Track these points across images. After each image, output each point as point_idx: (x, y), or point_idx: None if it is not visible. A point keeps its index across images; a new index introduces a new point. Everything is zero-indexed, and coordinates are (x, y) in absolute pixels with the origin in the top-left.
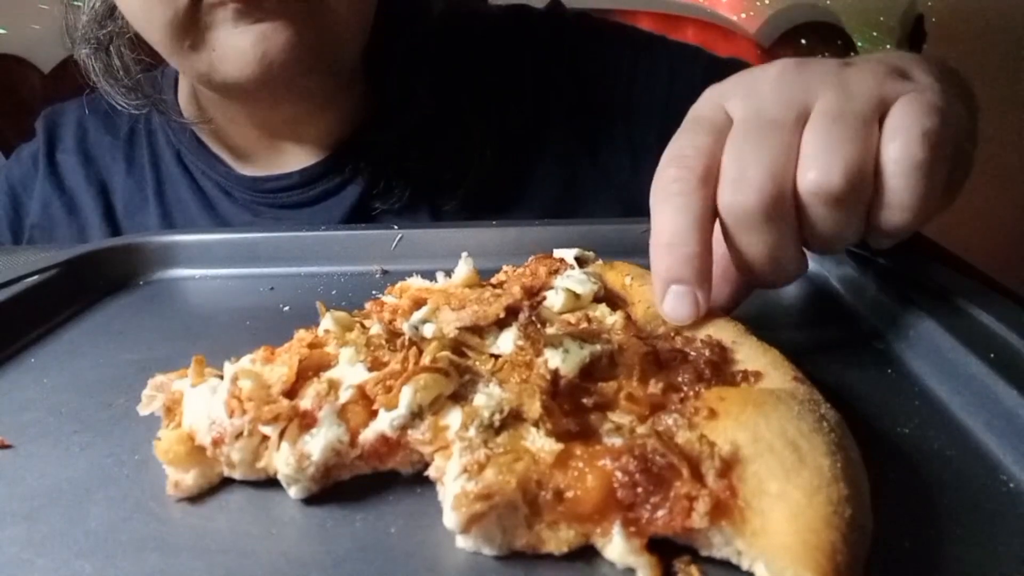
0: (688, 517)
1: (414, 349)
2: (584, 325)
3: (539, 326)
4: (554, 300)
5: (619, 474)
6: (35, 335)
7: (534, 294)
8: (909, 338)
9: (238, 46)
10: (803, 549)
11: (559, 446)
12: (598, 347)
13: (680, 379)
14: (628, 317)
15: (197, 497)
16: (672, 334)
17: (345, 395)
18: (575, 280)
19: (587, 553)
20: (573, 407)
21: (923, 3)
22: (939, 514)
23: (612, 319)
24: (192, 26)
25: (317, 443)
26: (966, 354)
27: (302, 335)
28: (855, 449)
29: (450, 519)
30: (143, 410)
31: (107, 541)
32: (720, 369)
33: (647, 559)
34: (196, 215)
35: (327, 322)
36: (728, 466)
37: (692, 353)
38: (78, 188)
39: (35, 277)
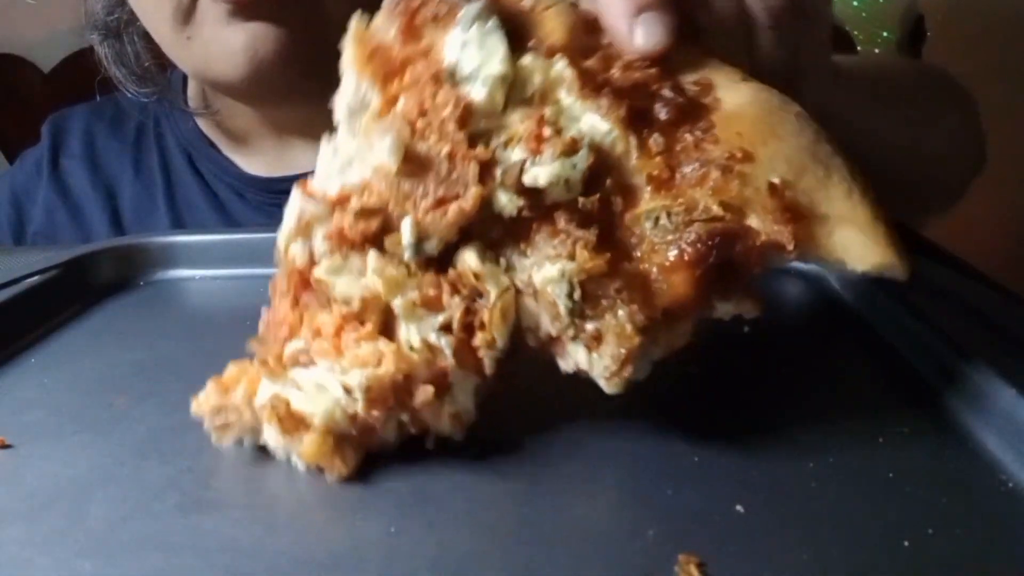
0: (767, 264)
1: (449, 274)
2: (549, 132)
3: (519, 168)
4: (491, 100)
5: (693, 267)
6: (35, 335)
7: (467, 119)
8: (907, 338)
9: (229, 44)
10: (871, 240)
11: (630, 278)
12: (585, 154)
13: (664, 117)
14: (569, 58)
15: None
16: (607, 57)
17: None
18: (476, 47)
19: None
20: (604, 232)
21: (923, 3)
22: (938, 514)
23: (555, 71)
24: (190, 19)
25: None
26: (966, 353)
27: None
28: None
29: (611, 390)
30: (221, 442)
31: (107, 540)
32: (679, 87)
33: (750, 302)
34: (207, 217)
35: (342, 287)
36: (789, 202)
37: (644, 80)
38: (83, 194)
39: (35, 278)
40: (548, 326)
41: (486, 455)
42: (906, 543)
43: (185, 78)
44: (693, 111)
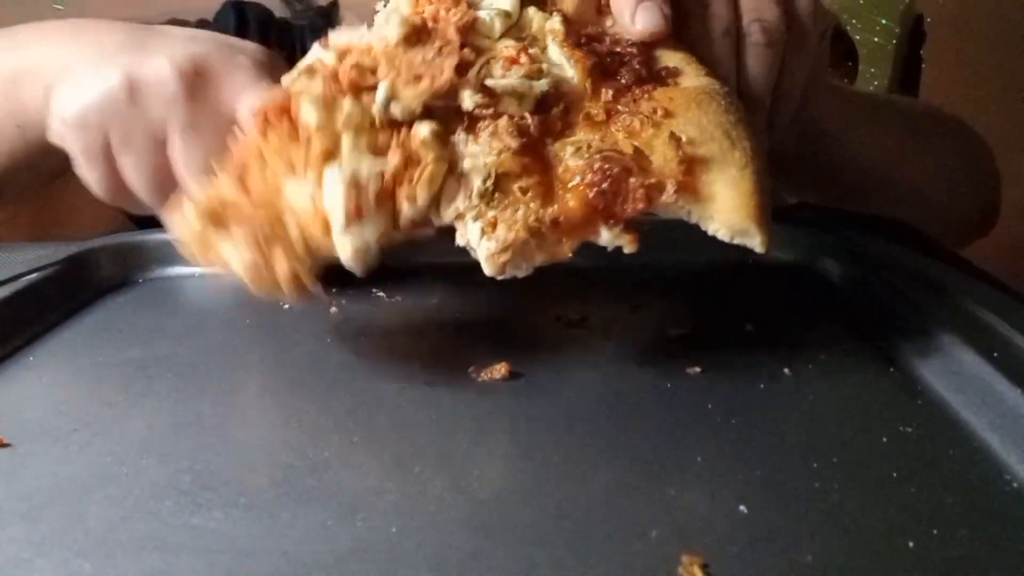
0: (650, 203)
1: (403, 133)
2: (525, 60)
3: (489, 75)
4: (491, 26)
5: (590, 188)
6: (34, 333)
7: (467, 30)
8: (911, 337)
9: None
10: (744, 206)
11: (538, 186)
12: (544, 82)
13: (623, 81)
14: (565, 18)
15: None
16: (602, 33)
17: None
18: None
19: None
20: (533, 144)
21: (923, 3)
22: (942, 514)
23: (550, 23)
24: None
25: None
26: (969, 353)
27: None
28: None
29: (488, 271)
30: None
31: (107, 540)
32: (650, 67)
33: (628, 237)
34: None
35: (308, 112)
36: (686, 155)
37: (625, 55)
38: None
39: (34, 275)
40: (460, 203)
41: (486, 455)
42: (910, 544)
43: None
44: (650, 82)
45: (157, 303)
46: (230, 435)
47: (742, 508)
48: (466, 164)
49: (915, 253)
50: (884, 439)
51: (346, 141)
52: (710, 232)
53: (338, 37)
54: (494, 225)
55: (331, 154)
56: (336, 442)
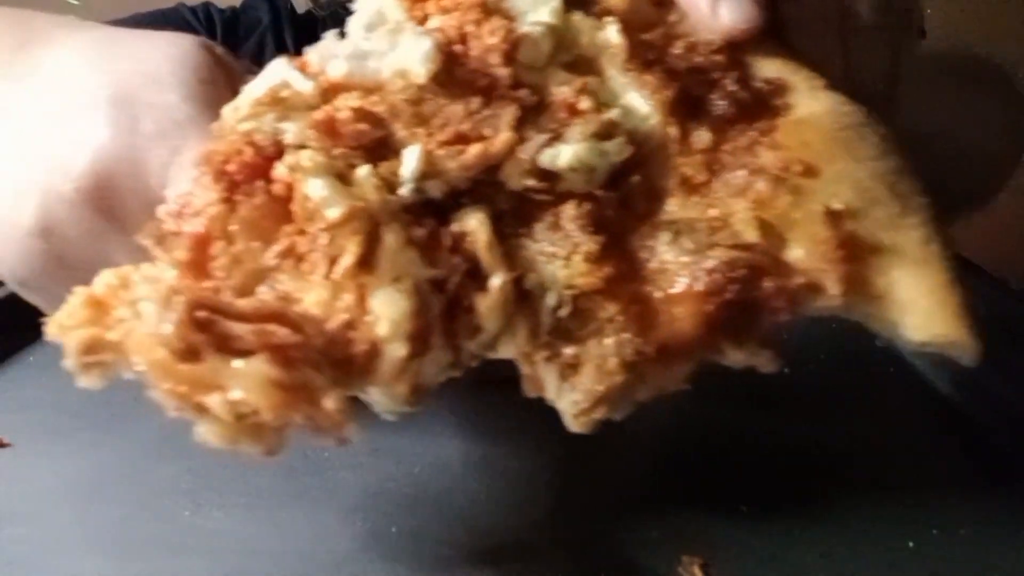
0: (797, 309)
1: (448, 229)
2: (587, 106)
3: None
4: (538, 47)
5: (706, 300)
6: (34, 333)
7: (513, 56)
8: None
9: None
10: (941, 304)
11: (630, 303)
12: (618, 144)
13: (719, 111)
14: (622, 25)
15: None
16: (667, 36)
17: None
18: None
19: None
20: (614, 238)
21: (923, 3)
22: (942, 514)
23: (605, 35)
24: None
25: None
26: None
27: None
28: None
29: (576, 429)
30: (88, 382)
31: (108, 540)
32: (747, 86)
33: (766, 354)
34: None
35: (318, 192)
36: (848, 234)
37: (709, 67)
38: None
39: None
40: (522, 338)
41: (486, 456)
42: (910, 543)
43: None
44: (755, 110)
45: None
46: None
47: (742, 508)
48: (529, 279)
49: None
50: (884, 439)
51: (391, 240)
52: (889, 337)
53: (313, 55)
54: (576, 367)
55: (368, 259)
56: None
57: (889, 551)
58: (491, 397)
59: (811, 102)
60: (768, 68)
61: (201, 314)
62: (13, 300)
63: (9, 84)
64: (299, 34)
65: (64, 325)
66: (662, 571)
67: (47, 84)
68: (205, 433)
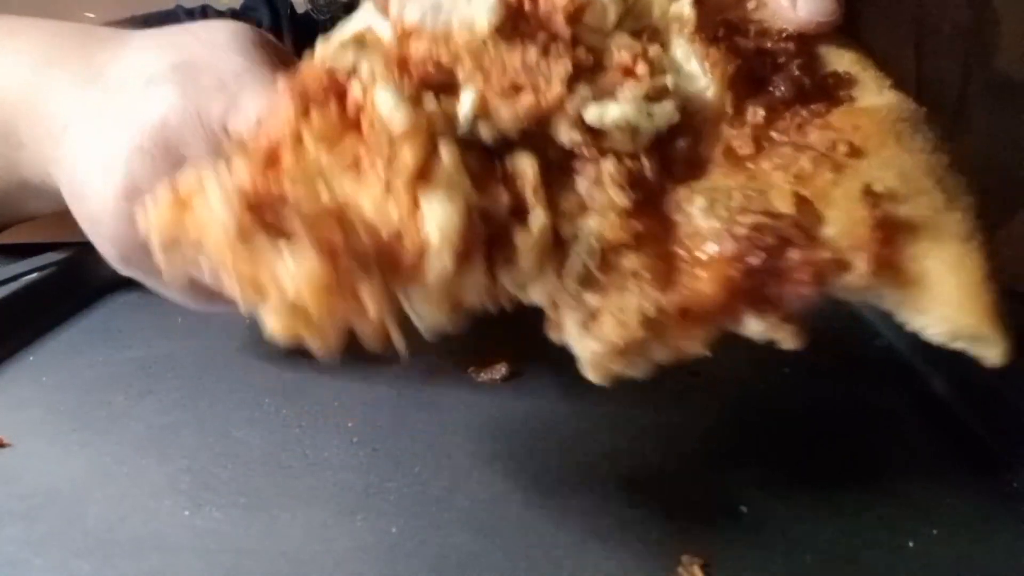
0: (821, 284)
1: (500, 166)
2: (643, 71)
3: (589, 97)
4: (605, 12)
5: (732, 265)
6: (34, 333)
7: (577, 17)
8: (911, 336)
9: None
10: (972, 297)
11: (657, 260)
12: (668, 107)
13: (779, 94)
14: (697, 3)
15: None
16: (744, 20)
17: None
18: None
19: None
20: (650, 197)
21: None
22: (942, 514)
23: (677, 6)
24: None
25: None
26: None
27: None
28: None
29: (593, 378)
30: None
31: (106, 540)
32: (814, 73)
33: (789, 328)
34: None
35: (388, 104)
36: (886, 215)
37: (778, 53)
38: None
39: (34, 275)
40: (550, 284)
41: (486, 455)
42: (910, 543)
43: None
44: (816, 97)
45: (157, 303)
46: (230, 435)
47: (742, 508)
48: (565, 228)
49: None
50: (884, 439)
51: (447, 157)
52: (915, 327)
53: (397, 1)
54: (596, 318)
55: (425, 172)
56: (336, 442)
57: (889, 551)
58: (492, 397)
59: (873, 96)
60: (838, 62)
61: (262, 204)
62: (13, 300)
63: (85, 90)
64: (299, 35)
65: (151, 223)
66: (662, 571)
67: (117, 78)
68: (266, 322)
